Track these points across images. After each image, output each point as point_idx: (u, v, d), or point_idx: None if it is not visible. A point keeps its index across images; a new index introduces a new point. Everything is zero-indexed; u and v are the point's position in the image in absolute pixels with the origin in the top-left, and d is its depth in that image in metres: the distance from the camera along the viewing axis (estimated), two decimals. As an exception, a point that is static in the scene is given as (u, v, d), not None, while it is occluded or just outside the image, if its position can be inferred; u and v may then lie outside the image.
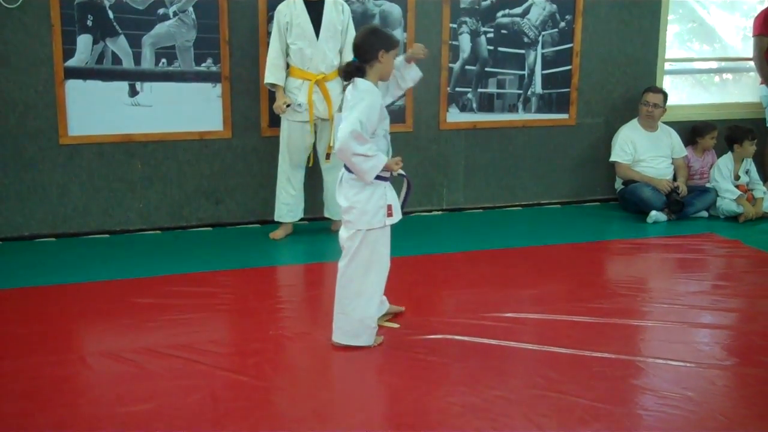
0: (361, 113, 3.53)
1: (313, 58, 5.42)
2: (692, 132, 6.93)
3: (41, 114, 5.51)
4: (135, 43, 5.60)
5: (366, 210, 3.65)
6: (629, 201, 6.58)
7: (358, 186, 3.65)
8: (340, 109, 5.49)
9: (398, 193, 3.84)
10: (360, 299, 3.72)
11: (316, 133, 5.57)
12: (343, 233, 3.77)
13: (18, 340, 3.86)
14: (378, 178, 3.61)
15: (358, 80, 3.65)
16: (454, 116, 6.46)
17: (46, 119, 5.52)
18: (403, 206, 3.80)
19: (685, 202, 6.37)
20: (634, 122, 6.74)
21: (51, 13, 5.39)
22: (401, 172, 3.74)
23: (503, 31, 6.47)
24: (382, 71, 3.66)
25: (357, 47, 3.68)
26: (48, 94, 5.49)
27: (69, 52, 5.48)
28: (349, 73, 3.67)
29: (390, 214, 3.67)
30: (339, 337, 3.77)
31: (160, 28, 5.64)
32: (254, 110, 5.93)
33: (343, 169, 3.72)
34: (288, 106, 5.43)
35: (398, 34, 6.13)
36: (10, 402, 3.23)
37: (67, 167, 5.63)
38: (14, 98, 5.44)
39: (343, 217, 3.75)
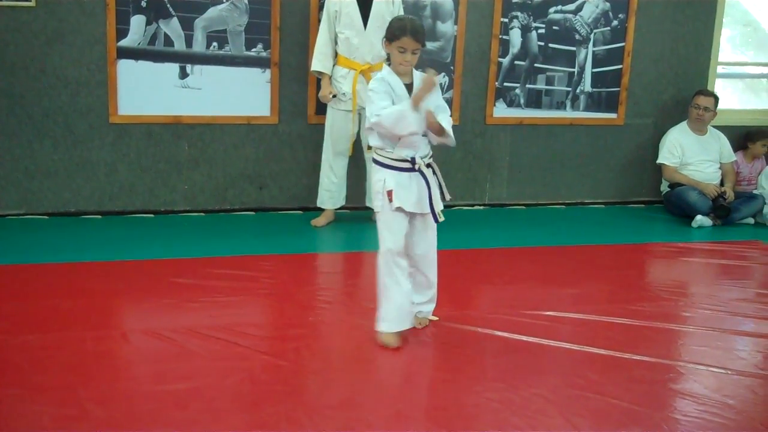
0: None
1: (360, 47, 5.43)
2: (744, 137, 6.83)
3: (92, 92, 5.59)
4: (187, 26, 5.65)
5: (374, 191, 3.68)
6: (675, 204, 6.50)
7: (374, 168, 3.69)
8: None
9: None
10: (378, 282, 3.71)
11: (360, 122, 5.58)
12: None
13: (62, 314, 3.92)
14: (379, 164, 3.63)
15: None
16: (501, 111, 6.43)
17: (97, 97, 5.60)
18: (431, 201, 3.63)
19: (731, 208, 6.28)
20: (684, 125, 6.66)
21: (106, -8, 5.46)
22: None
23: (555, 28, 6.42)
24: (392, 60, 3.66)
25: None
26: (100, 73, 5.57)
27: (122, 32, 5.54)
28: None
29: (390, 200, 3.59)
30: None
31: (212, 12, 5.68)
32: (302, 97, 5.95)
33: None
34: (334, 96, 5.45)
35: (449, 26, 6.12)
36: (52, 374, 3.29)
37: (116, 146, 5.70)
38: (67, 75, 5.52)
39: None
